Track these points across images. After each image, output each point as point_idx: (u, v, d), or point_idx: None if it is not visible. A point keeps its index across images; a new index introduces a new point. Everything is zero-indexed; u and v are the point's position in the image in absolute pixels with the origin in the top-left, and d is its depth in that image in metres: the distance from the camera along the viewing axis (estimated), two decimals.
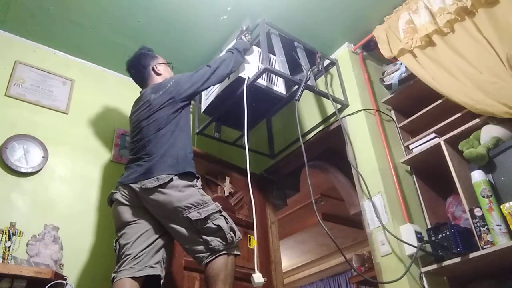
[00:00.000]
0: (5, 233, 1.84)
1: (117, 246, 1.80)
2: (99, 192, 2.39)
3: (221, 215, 1.78)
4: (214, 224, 1.73)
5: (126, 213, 1.83)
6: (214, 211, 1.76)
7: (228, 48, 2.24)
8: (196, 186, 1.82)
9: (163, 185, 1.75)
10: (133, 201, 1.83)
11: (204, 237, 1.73)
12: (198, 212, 1.73)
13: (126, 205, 1.84)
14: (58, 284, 1.77)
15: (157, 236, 1.81)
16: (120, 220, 1.83)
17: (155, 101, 1.96)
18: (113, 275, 1.71)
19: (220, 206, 1.81)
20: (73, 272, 2.09)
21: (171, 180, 1.77)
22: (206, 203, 1.77)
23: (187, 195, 1.76)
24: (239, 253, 1.79)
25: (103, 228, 2.26)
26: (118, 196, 1.86)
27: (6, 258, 1.76)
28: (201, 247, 1.73)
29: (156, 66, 2.19)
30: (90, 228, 2.27)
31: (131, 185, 1.82)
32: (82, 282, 2.10)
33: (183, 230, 1.75)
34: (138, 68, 2.20)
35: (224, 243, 1.72)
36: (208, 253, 1.71)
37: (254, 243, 1.97)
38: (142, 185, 1.78)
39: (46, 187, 2.24)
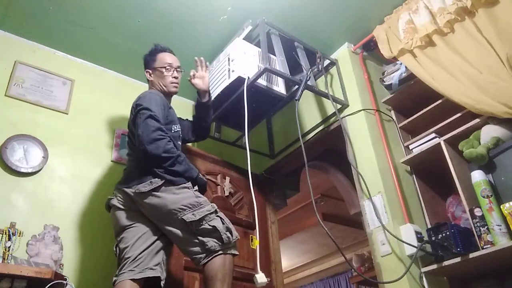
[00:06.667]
0: (5, 233, 1.84)
1: (117, 251, 1.81)
2: (99, 192, 2.38)
3: (217, 216, 1.78)
4: (210, 225, 1.73)
5: (123, 217, 1.83)
6: (209, 212, 1.75)
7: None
8: (191, 188, 1.82)
9: (157, 189, 1.76)
10: (128, 205, 1.84)
11: (200, 238, 1.72)
12: (193, 214, 1.73)
13: (122, 209, 1.85)
14: (58, 284, 1.77)
15: (156, 238, 1.81)
16: (118, 225, 1.84)
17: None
18: (114, 278, 1.72)
19: (216, 207, 1.81)
20: (73, 272, 2.09)
21: (164, 183, 1.77)
22: (201, 204, 1.77)
23: (181, 197, 1.76)
24: (236, 253, 1.79)
25: (103, 228, 2.26)
26: (115, 201, 1.87)
27: (6, 258, 1.76)
28: (197, 248, 1.73)
29: (148, 72, 2.13)
30: (90, 228, 2.27)
31: (125, 189, 1.83)
32: (82, 282, 2.10)
33: (178, 232, 1.75)
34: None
35: (220, 243, 1.72)
36: (205, 254, 1.71)
37: (256, 243, 1.96)
38: (136, 189, 1.78)
39: (46, 187, 2.24)
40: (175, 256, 2.15)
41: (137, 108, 1.86)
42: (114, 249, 1.83)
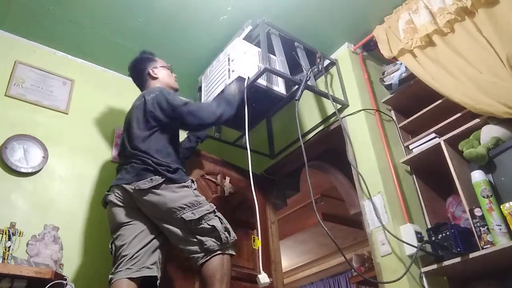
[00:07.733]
0: (5, 233, 1.84)
1: (113, 248, 1.81)
2: (99, 192, 2.38)
3: (216, 216, 1.78)
4: (209, 225, 1.73)
5: (121, 214, 1.83)
6: (208, 211, 1.76)
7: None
8: (191, 186, 1.82)
9: (157, 186, 1.76)
10: (127, 202, 1.84)
11: (198, 237, 1.73)
12: (192, 213, 1.73)
13: (120, 206, 1.84)
14: (58, 284, 1.77)
15: (153, 236, 1.81)
16: (115, 222, 1.84)
17: (146, 105, 1.96)
18: (110, 276, 1.71)
19: (215, 207, 1.81)
20: (73, 272, 2.09)
21: (165, 181, 1.77)
22: (200, 203, 1.77)
23: (180, 196, 1.77)
24: (234, 253, 1.80)
25: (103, 228, 2.24)
26: (112, 197, 1.86)
27: (6, 258, 1.75)
28: (195, 248, 1.73)
29: (152, 70, 2.19)
30: (90, 228, 2.27)
31: (124, 186, 1.83)
32: (82, 282, 2.10)
33: (177, 230, 1.76)
34: (135, 73, 2.24)
35: (218, 243, 1.73)
36: (203, 254, 1.72)
37: (258, 243, 1.97)
38: (136, 186, 1.78)
39: (46, 187, 2.24)
40: (174, 256, 2.15)
41: (172, 106, 1.90)
42: (110, 246, 1.83)
